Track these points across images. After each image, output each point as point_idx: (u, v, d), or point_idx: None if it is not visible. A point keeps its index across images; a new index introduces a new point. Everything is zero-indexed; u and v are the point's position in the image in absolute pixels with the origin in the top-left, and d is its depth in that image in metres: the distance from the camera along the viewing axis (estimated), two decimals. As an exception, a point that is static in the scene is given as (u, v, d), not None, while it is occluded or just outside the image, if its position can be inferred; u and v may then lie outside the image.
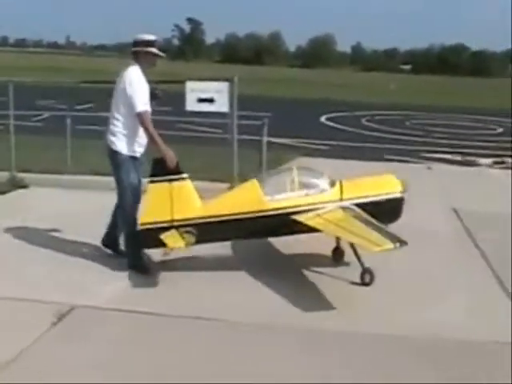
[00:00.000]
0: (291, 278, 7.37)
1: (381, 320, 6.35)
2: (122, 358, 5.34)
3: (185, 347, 5.57)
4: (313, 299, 6.71)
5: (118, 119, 7.34)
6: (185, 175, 7.12)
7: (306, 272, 7.57)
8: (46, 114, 22.63)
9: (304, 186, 7.49)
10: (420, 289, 7.22)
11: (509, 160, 14.54)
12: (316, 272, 7.55)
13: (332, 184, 7.55)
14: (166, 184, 7.04)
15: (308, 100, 39.66)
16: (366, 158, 16.66)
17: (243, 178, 11.48)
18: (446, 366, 5.46)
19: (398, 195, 7.69)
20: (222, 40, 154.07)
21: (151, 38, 7.48)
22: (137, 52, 7.42)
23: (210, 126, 18.15)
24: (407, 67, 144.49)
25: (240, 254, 8.21)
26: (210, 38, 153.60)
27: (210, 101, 10.67)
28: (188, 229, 7.00)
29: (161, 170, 7.03)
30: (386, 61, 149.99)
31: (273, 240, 8.30)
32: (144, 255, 7.50)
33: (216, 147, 13.36)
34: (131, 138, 7.35)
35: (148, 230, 7.01)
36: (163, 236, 6.89)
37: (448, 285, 7.42)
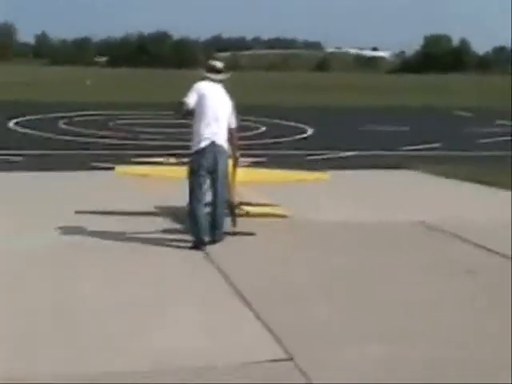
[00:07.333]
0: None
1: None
2: None
3: None
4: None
5: (224, 128, 7.29)
6: None
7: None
8: None
9: None
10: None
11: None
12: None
13: None
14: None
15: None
16: (73, 168, 12.58)
17: None
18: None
19: None
20: None
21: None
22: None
23: None
24: (103, 59, 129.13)
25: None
26: None
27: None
28: None
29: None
30: (77, 52, 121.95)
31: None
32: None
33: None
34: None
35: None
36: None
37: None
